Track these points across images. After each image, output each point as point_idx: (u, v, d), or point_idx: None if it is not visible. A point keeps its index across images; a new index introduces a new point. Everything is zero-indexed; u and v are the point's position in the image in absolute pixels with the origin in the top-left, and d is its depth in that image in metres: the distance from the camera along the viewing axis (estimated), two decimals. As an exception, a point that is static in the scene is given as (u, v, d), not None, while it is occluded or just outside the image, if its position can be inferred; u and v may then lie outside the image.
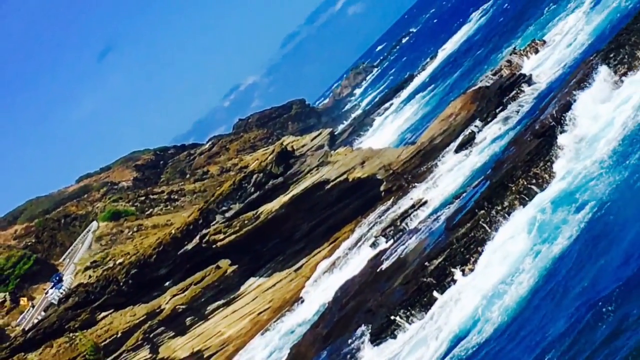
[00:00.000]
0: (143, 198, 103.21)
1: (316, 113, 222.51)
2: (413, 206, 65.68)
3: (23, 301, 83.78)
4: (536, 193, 43.35)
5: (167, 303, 72.98)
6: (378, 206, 74.72)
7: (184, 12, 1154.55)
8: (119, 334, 71.77)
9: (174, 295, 73.18)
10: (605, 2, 78.77)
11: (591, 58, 52.18)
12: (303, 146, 78.41)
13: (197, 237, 73.33)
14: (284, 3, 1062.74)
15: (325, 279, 69.01)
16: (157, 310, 72.85)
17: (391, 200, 73.16)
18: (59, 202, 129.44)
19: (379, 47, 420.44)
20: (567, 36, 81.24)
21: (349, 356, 45.50)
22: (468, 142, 70.64)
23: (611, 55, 48.73)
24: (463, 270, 42.44)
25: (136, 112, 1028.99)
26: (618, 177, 36.84)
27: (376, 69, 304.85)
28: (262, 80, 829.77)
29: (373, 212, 74.20)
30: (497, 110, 72.10)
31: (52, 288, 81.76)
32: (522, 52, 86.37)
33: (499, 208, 43.98)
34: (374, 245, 64.77)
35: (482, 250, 42.59)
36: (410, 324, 42.65)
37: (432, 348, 38.51)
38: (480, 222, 43.94)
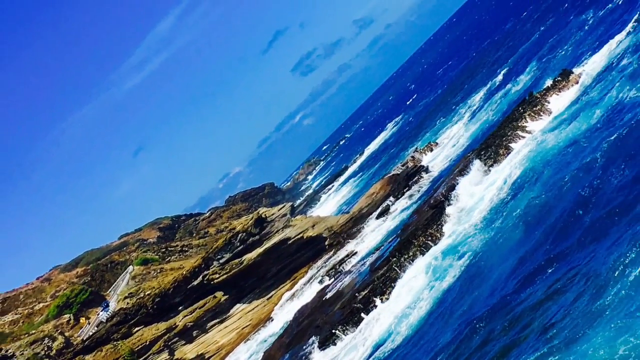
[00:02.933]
0: (164, 250, 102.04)
1: (282, 192, 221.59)
2: (347, 255, 65.39)
3: (82, 320, 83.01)
4: (431, 246, 43.49)
5: (180, 321, 72.38)
6: (324, 255, 74.33)
7: (191, 124, 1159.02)
8: (147, 342, 71.23)
9: (185, 316, 72.66)
10: (478, 117, 79.74)
11: (469, 154, 52.87)
12: (272, 214, 78.18)
13: (201, 277, 72.73)
14: (260, 118, 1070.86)
15: (288, 305, 68.44)
16: (173, 326, 72.29)
17: (332, 251, 72.83)
18: (106, 253, 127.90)
19: (325, 147, 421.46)
20: (452, 139, 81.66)
21: (304, 357, 45.13)
22: (385, 212, 70.78)
23: (482, 153, 49.32)
24: (381, 299, 42.38)
25: (159, 191, 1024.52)
26: (487, 235, 37.12)
27: (322, 162, 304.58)
28: (245, 170, 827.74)
29: (320, 259, 73.82)
30: (405, 190, 72.36)
31: (102, 311, 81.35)
32: (421, 150, 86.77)
33: (406, 256, 44.08)
34: (321, 281, 64.37)
35: (394, 285, 42.57)
36: (345, 335, 42.45)
37: (360, 352, 38.32)
38: (393, 266, 43.98)
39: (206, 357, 71.60)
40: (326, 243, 76.33)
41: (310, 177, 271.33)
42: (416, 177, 73.62)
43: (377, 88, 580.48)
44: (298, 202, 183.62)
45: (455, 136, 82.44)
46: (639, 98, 36.53)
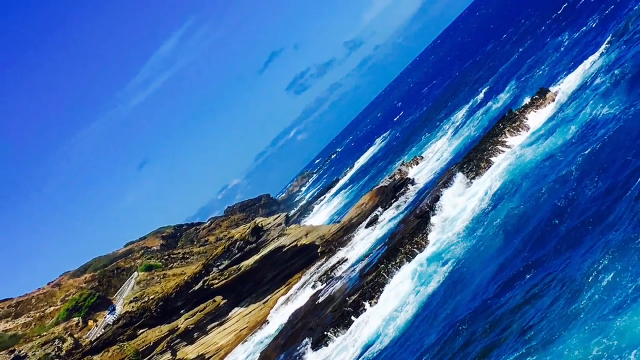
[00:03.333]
0: (167, 257, 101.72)
1: (277, 203, 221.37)
2: (339, 262, 65.31)
3: (90, 322, 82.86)
4: (417, 253, 43.50)
5: (182, 324, 72.15)
6: (316, 262, 74.31)
7: (192, 139, 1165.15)
8: (151, 343, 70.96)
9: (186, 319, 72.45)
10: (460, 132, 79.82)
11: (452, 168, 52.87)
12: (268, 224, 78.10)
13: (201, 282, 72.58)
14: (256, 133, 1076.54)
15: (283, 308, 68.31)
16: (176, 328, 72.02)
17: (325, 258, 72.80)
18: (113, 259, 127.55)
19: (317, 161, 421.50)
20: (436, 153, 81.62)
21: (298, 358, 45.01)
22: (374, 221, 70.76)
23: (465, 166, 49.42)
24: (370, 303, 42.33)
25: (162, 202, 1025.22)
26: (469, 244, 37.13)
27: (315, 175, 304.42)
28: (243, 182, 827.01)
29: (313, 266, 73.79)
30: (392, 201, 72.36)
31: (108, 314, 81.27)
32: (408, 163, 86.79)
33: (393, 263, 44.08)
34: (314, 286, 64.32)
35: (382, 290, 42.54)
36: (337, 337, 42.36)
37: (350, 352, 38.24)
38: (381, 272, 43.96)
39: (206, 357, 71.37)
40: (319, 250, 76.27)
41: (303, 189, 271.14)
42: (403, 189, 73.61)
43: (366, 105, 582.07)
44: (292, 212, 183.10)
45: (439, 150, 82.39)
46: (611, 115, 36.70)
